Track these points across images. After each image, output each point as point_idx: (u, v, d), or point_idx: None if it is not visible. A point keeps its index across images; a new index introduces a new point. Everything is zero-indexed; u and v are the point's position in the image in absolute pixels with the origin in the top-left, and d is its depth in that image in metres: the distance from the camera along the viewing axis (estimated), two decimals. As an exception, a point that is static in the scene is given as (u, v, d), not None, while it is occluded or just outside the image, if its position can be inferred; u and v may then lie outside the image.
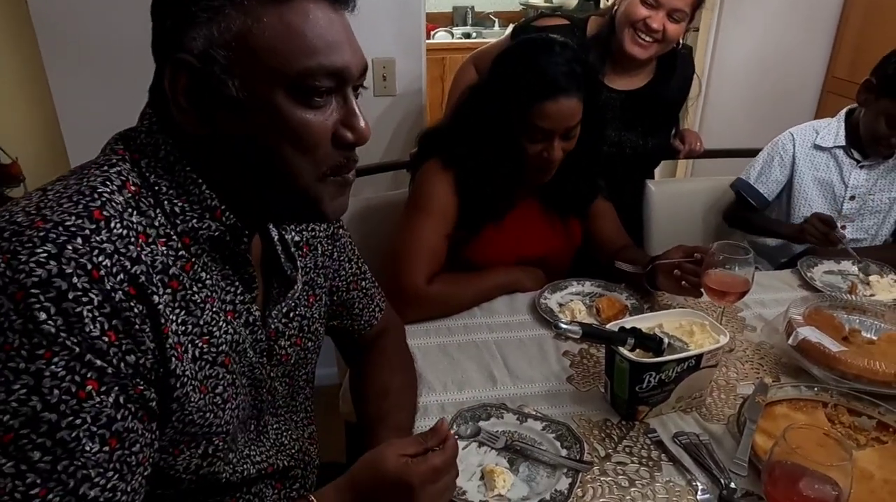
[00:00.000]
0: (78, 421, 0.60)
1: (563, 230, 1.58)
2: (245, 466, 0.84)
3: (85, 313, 0.59)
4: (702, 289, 1.27)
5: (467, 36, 4.60)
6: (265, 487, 0.90)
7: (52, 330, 0.58)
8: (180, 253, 0.70)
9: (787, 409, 1.09)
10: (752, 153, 1.96)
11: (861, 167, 1.79)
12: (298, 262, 0.89)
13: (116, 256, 0.63)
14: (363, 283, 1.07)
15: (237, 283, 0.77)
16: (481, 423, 1.05)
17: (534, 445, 1.01)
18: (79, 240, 0.61)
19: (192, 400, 0.72)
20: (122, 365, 0.63)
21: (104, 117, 1.14)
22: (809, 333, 1.21)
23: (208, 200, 0.71)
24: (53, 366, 0.58)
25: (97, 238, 0.62)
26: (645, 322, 1.12)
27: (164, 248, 0.69)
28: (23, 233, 0.60)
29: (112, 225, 0.64)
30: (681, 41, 1.86)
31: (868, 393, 1.09)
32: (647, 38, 1.76)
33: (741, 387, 1.17)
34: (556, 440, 1.02)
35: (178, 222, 0.70)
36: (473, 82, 1.58)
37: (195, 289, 0.72)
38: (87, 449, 0.60)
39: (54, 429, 0.58)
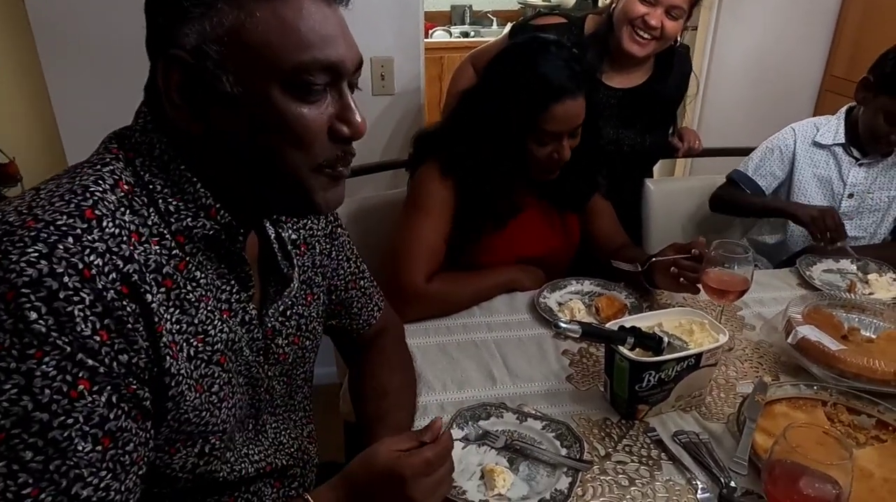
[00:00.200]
0: (70, 421, 0.60)
1: (561, 229, 1.58)
2: (243, 465, 0.84)
3: (76, 312, 0.59)
4: (699, 286, 1.27)
5: (465, 35, 4.60)
6: (264, 486, 0.90)
7: (43, 329, 0.58)
8: (174, 252, 0.70)
9: (787, 408, 1.09)
10: (751, 152, 1.95)
11: (860, 165, 1.79)
12: (296, 261, 0.89)
13: (108, 255, 0.63)
14: (362, 282, 1.07)
15: (233, 282, 0.77)
16: (481, 422, 1.05)
17: (534, 444, 1.01)
18: (70, 239, 0.61)
19: (188, 399, 0.72)
20: (115, 364, 0.63)
21: (102, 116, 1.14)
22: (809, 332, 1.21)
23: (203, 199, 0.71)
24: (45, 366, 0.58)
25: (89, 237, 0.62)
26: (644, 321, 1.12)
27: (157, 247, 0.68)
28: (14, 232, 0.59)
29: (104, 224, 0.64)
30: (679, 39, 1.86)
31: (867, 392, 1.09)
32: (646, 36, 1.76)
33: (741, 386, 1.17)
34: (555, 439, 1.02)
35: (173, 221, 0.70)
36: (468, 87, 1.58)
37: (189, 287, 0.72)
38: (80, 448, 0.60)
39: (46, 429, 0.58)
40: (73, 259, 0.60)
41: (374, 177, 2.21)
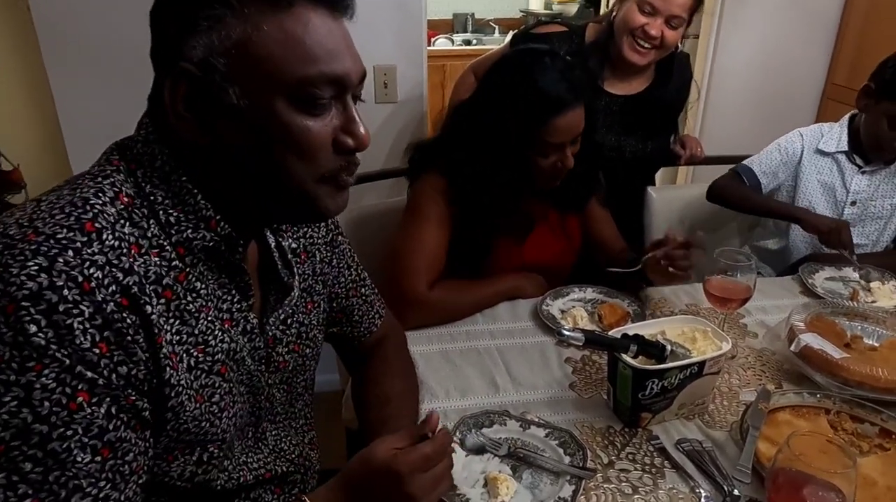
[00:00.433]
0: (69, 433, 0.60)
1: (563, 233, 1.59)
2: (241, 473, 0.84)
3: (76, 325, 0.60)
4: (691, 272, 1.29)
5: (468, 43, 4.62)
6: (264, 492, 0.90)
7: (43, 342, 0.58)
8: (174, 263, 0.70)
9: (790, 416, 1.08)
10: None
11: (863, 173, 1.79)
12: (296, 269, 0.89)
13: (108, 268, 0.63)
14: (363, 290, 1.07)
15: (233, 291, 0.78)
16: (484, 430, 1.05)
17: (537, 452, 1.01)
18: (70, 252, 0.61)
19: (188, 409, 0.72)
20: (114, 376, 0.63)
21: (106, 123, 1.14)
22: (811, 340, 1.21)
23: (203, 210, 0.72)
24: (44, 379, 0.58)
25: (88, 250, 0.62)
26: (647, 329, 1.12)
27: (157, 259, 0.69)
28: (15, 246, 0.60)
29: (104, 236, 0.64)
30: (679, 45, 1.87)
31: (870, 400, 1.08)
32: (646, 45, 1.77)
33: (744, 394, 1.17)
34: (559, 447, 1.02)
35: (173, 232, 0.71)
36: (463, 100, 1.59)
37: (189, 298, 0.72)
38: (79, 459, 0.61)
39: (45, 441, 0.59)
40: (72, 272, 0.60)
41: (376, 185, 2.21)
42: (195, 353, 0.73)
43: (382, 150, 2.26)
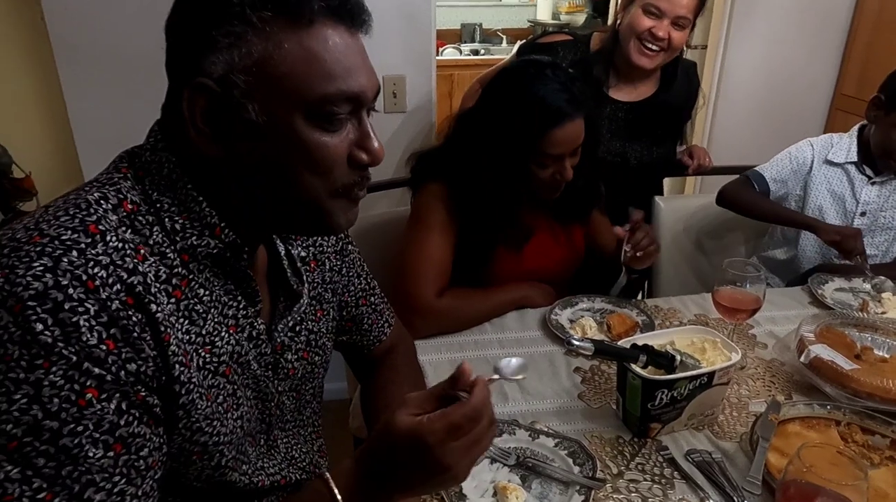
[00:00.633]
0: (80, 428, 0.61)
1: (567, 242, 1.59)
2: (260, 477, 0.85)
3: (81, 323, 0.61)
4: (656, 247, 1.47)
5: (476, 53, 4.64)
6: (276, 499, 0.90)
7: (50, 340, 0.59)
8: (176, 270, 0.71)
9: (800, 427, 1.08)
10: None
11: (872, 184, 1.79)
12: (305, 277, 0.90)
13: (112, 267, 0.64)
14: (372, 299, 1.08)
15: (240, 298, 0.78)
16: (493, 439, 1.05)
17: (546, 462, 1.01)
18: (74, 252, 0.62)
19: (199, 407, 0.73)
20: (122, 372, 0.64)
21: (118, 132, 1.15)
22: (821, 351, 1.20)
23: (208, 218, 0.72)
24: (52, 376, 0.59)
25: (92, 251, 0.63)
26: (656, 339, 1.12)
27: (159, 265, 0.70)
28: (20, 248, 0.61)
29: (108, 238, 0.65)
30: (684, 49, 1.88)
31: (881, 412, 1.08)
32: (654, 48, 1.78)
33: (753, 405, 1.17)
34: (568, 457, 1.02)
35: (178, 239, 0.71)
36: (462, 111, 1.59)
37: (193, 302, 0.73)
38: (91, 454, 0.61)
39: (56, 437, 0.60)
40: (77, 271, 0.61)
41: (385, 195, 2.22)
42: (203, 353, 0.74)
43: (392, 160, 2.27)
